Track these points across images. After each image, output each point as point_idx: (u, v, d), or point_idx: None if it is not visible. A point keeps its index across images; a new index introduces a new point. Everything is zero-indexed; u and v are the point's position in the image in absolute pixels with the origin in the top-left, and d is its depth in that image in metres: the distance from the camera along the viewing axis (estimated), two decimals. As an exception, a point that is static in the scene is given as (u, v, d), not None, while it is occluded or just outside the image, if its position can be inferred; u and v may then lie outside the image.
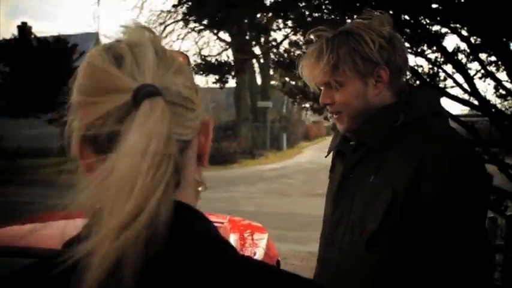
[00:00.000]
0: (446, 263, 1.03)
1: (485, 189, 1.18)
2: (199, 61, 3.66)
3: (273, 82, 24.27)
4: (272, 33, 4.00)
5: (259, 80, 22.76)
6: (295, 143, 26.89)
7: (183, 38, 21.30)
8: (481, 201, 1.10)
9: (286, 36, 3.81)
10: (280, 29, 4.04)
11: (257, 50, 6.05)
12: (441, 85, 4.28)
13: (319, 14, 3.22)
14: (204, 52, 23.46)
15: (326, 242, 1.29)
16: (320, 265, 1.34)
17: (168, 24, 19.94)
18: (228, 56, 4.65)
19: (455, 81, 3.96)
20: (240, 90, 19.72)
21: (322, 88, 1.24)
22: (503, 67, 3.64)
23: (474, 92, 3.70)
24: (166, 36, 20.29)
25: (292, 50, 4.05)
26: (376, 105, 1.19)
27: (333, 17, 3.03)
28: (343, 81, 1.17)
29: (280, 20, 3.82)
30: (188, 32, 21.43)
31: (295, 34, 4.07)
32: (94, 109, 0.52)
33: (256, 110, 21.26)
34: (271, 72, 24.03)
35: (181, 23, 20.84)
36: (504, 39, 3.38)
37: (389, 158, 1.15)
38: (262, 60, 16.91)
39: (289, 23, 3.59)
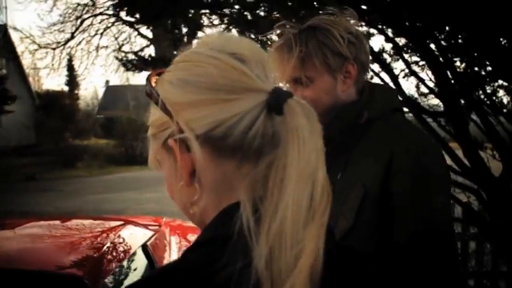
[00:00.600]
0: (417, 251, 1.05)
1: (449, 177, 1.24)
2: (131, 57, 3.49)
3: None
4: (207, 30, 3.94)
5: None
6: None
7: (102, 33, 20.37)
8: (447, 188, 1.16)
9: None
10: (214, 26, 3.99)
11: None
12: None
13: (257, 12, 3.23)
14: (125, 48, 22.65)
15: None
16: None
17: (86, 18, 18.97)
18: (150, 53, 4.48)
19: (381, 79, 4.18)
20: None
21: (288, 85, 1.21)
22: (426, 67, 3.89)
23: (399, 90, 3.92)
24: (84, 31, 19.30)
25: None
26: (343, 101, 1.18)
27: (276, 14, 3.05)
28: (313, 76, 1.15)
29: (214, 17, 3.78)
30: (107, 27, 20.54)
31: (229, 31, 4.05)
32: (227, 107, 0.52)
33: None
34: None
35: (99, 18, 19.90)
36: (427, 41, 3.62)
37: (356, 155, 1.15)
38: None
39: (226, 20, 3.56)
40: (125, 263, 2.00)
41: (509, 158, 3.38)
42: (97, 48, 20.97)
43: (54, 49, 19.83)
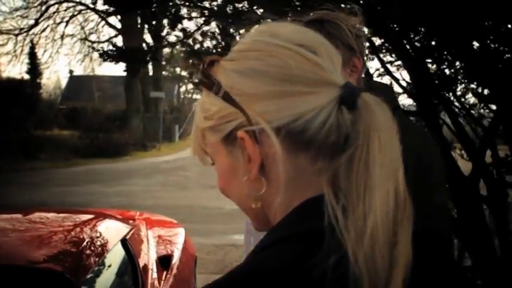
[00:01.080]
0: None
1: (445, 175, 1.30)
2: (109, 48, 3.39)
3: (164, 73, 23.67)
4: (185, 22, 3.89)
5: (151, 70, 22.02)
6: (187, 134, 26.62)
7: (67, 21, 19.75)
8: (444, 186, 1.20)
9: (199, 27, 3.73)
10: (192, 19, 3.95)
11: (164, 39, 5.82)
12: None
13: (239, 6, 3.21)
14: (92, 38, 22.02)
15: None
16: None
17: (51, 5, 18.33)
18: (116, 43, 4.38)
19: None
20: (130, 80, 18.89)
21: None
22: (402, 67, 3.97)
23: None
24: (48, 18, 18.65)
25: (204, 40, 3.99)
26: None
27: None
28: None
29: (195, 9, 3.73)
30: (73, 15, 19.94)
31: (208, 24, 4.01)
32: (306, 100, 0.50)
33: (147, 101, 20.57)
34: (164, 62, 23.44)
35: (65, 5, 19.26)
36: (403, 42, 3.70)
37: None
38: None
39: (206, 12, 3.52)
40: (105, 258, 1.95)
41: (478, 158, 3.51)
42: (62, 36, 20.34)
43: (16, 35, 19.09)
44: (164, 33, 3.50)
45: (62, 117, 23.38)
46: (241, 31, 3.32)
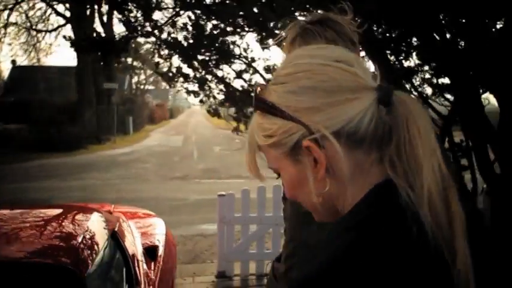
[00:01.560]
0: None
1: None
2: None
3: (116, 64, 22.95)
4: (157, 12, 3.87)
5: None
6: (140, 126, 26.12)
7: (11, 8, 18.74)
8: None
9: (171, 18, 3.72)
10: (162, 9, 3.93)
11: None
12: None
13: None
14: (39, 27, 20.99)
15: (299, 221, 1.36)
16: (292, 246, 1.40)
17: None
18: (100, 33, 4.31)
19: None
20: (82, 70, 18.25)
21: None
22: (366, 58, 4.15)
23: None
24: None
25: (175, 31, 3.99)
26: None
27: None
28: None
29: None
30: (18, 2, 18.92)
31: (178, 15, 4.02)
32: (353, 105, 0.61)
33: (99, 92, 19.94)
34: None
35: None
36: (367, 34, 3.87)
37: None
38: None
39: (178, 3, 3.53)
40: (102, 251, 1.98)
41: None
42: (6, 25, 19.30)
43: (-46, 24, 17.92)
44: (135, 23, 3.46)
45: (7, 111, 22.23)
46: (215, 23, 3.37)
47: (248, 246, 4.57)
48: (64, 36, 4.24)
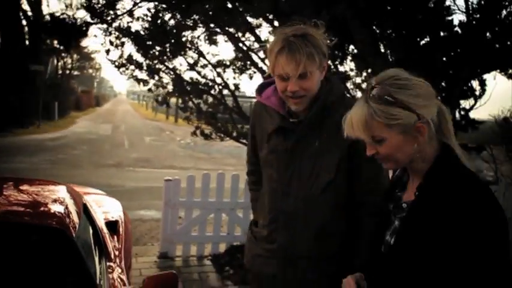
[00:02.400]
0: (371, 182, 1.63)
1: None
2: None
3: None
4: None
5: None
6: (66, 112, 25.02)
7: None
8: None
9: (131, 9, 3.88)
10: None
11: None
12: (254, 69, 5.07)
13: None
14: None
15: (279, 195, 1.71)
16: (273, 214, 1.73)
17: None
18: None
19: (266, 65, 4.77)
20: (6, 50, 17.16)
21: (287, 78, 1.56)
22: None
23: None
24: None
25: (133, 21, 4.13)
26: (316, 90, 1.65)
27: None
28: (311, 71, 1.57)
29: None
30: None
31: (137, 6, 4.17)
32: (435, 106, 1.19)
33: (23, 74, 18.83)
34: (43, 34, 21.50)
35: None
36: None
37: (327, 128, 1.64)
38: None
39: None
40: (82, 218, 2.17)
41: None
42: None
43: None
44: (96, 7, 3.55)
45: None
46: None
47: (190, 229, 4.83)
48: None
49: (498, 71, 4.02)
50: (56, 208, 2.04)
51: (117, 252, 2.58)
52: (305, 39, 1.56)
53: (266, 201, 1.78)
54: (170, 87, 5.00)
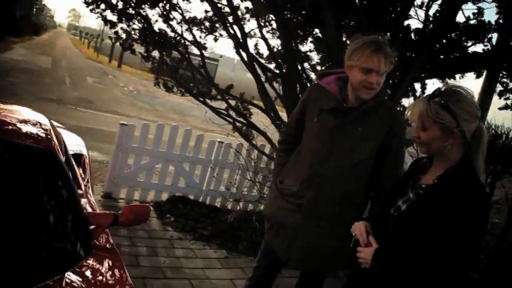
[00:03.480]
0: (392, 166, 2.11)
1: None
2: None
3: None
4: None
5: None
6: (2, 36, 23.31)
7: None
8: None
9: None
10: None
11: None
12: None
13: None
14: None
15: (318, 161, 2.10)
16: (308, 176, 2.12)
17: None
18: None
19: (234, 31, 4.97)
20: None
21: (370, 71, 1.96)
22: (278, 35, 4.85)
23: (244, 44, 4.81)
24: None
25: None
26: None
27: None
28: (386, 72, 1.99)
29: None
30: None
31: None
32: (473, 124, 1.60)
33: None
34: None
35: None
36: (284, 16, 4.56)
37: (370, 120, 2.06)
38: None
39: None
40: (62, 143, 2.35)
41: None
42: None
43: None
44: None
45: None
46: None
47: (137, 175, 5.04)
48: None
49: (437, 78, 4.57)
50: (40, 130, 2.19)
51: (84, 182, 2.78)
52: (387, 47, 1.97)
53: (304, 165, 2.16)
54: (137, 35, 5.04)
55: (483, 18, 3.89)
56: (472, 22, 4.00)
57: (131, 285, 1.78)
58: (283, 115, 4.87)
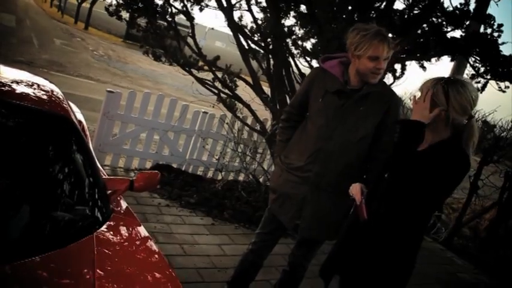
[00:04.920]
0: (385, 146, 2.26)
1: None
2: None
3: None
4: None
5: None
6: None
7: None
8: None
9: None
10: None
11: None
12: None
13: None
14: None
15: (323, 138, 2.30)
16: (314, 151, 2.32)
17: None
18: None
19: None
20: None
21: (377, 58, 2.17)
22: (268, 12, 4.92)
23: (230, 16, 4.89)
24: None
25: None
26: None
27: None
28: (390, 56, 2.21)
29: None
30: None
31: None
32: (462, 116, 1.88)
33: None
34: None
35: None
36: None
37: (370, 100, 2.27)
38: None
39: None
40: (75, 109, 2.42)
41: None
42: None
43: None
44: None
45: None
46: None
47: (123, 142, 5.11)
48: None
49: (416, 60, 4.82)
50: (56, 97, 2.26)
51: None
52: (388, 35, 2.19)
53: (309, 141, 2.36)
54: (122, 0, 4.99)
55: (465, 8, 4.12)
56: (450, 9, 4.24)
57: (151, 239, 1.94)
58: (267, 89, 5.02)
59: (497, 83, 4.80)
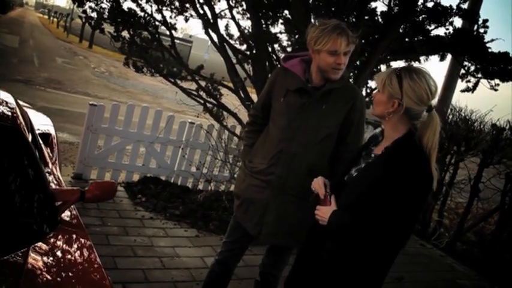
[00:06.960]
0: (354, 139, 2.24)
1: None
2: None
3: None
4: None
5: None
6: (-36, 13, 22.45)
7: None
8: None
9: None
10: None
11: None
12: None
13: None
14: None
15: (285, 138, 2.21)
16: (276, 153, 2.23)
17: None
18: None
19: (204, 12, 4.98)
20: None
21: (337, 53, 2.07)
22: (248, 17, 4.86)
23: (215, 24, 4.83)
24: None
25: None
26: None
27: None
28: (350, 52, 2.11)
29: None
30: None
31: None
32: (420, 108, 1.74)
33: None
34: None
35: None
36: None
37: (333, 98, 2.18)
38: None
39: None
40: (29, 122, 2.36)
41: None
42: None
43: None
44: None
45: None
46: None
47: (108, 156, 5.03)
48: None
49: (402, 60, 4.70)
50: (6, 108, 2.20)
51: (52, 161, 2.79)
52: (348, 29, 2.10)
53: (271, 143, 2.27)
54: (106, 14, 4.97)
55: (439, 1, 4.01)
56: (429, 5, 4.12)
57: (96, 258, 1.84)
58: (254, 96, 4.93)
59: (489, 82, 4.66)
